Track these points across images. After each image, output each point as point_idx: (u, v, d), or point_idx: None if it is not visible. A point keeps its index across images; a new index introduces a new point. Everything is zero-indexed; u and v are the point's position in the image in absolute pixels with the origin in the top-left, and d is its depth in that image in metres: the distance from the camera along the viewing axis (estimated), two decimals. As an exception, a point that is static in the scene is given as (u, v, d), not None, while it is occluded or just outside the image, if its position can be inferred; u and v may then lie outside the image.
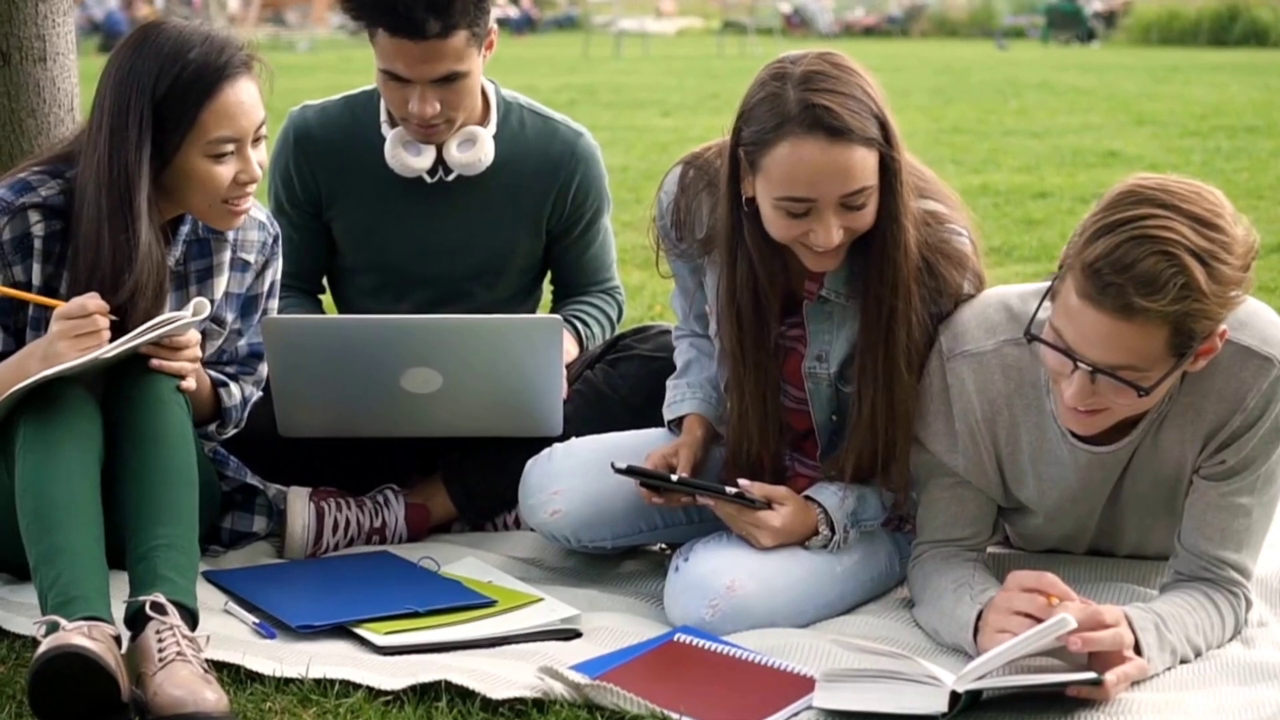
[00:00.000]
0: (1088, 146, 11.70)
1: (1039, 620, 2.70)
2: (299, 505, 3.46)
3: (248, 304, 3.38)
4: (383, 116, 3.72)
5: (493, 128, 3.72)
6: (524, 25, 40.47)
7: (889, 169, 2.94)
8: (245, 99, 3.09)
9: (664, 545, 3.52)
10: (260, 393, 3.44)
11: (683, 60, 25.94)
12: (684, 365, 3.40)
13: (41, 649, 2.56)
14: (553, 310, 3.93)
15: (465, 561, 3.36)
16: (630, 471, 3.13)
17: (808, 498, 3.16)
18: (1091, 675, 2.62)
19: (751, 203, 3.03)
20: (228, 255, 3.31)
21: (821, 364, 3.18)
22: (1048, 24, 31.50)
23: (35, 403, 2.91)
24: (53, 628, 2.64)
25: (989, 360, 3.00)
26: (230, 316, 3.35)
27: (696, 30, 41.19)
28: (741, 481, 3.11)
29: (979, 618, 2.85)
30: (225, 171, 3.09)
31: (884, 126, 2.92)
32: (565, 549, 3.47)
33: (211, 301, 3.27)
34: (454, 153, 3.66)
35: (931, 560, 3.09)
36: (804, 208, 2.93)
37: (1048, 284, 2.84)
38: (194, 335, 3.11)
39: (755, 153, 2.95)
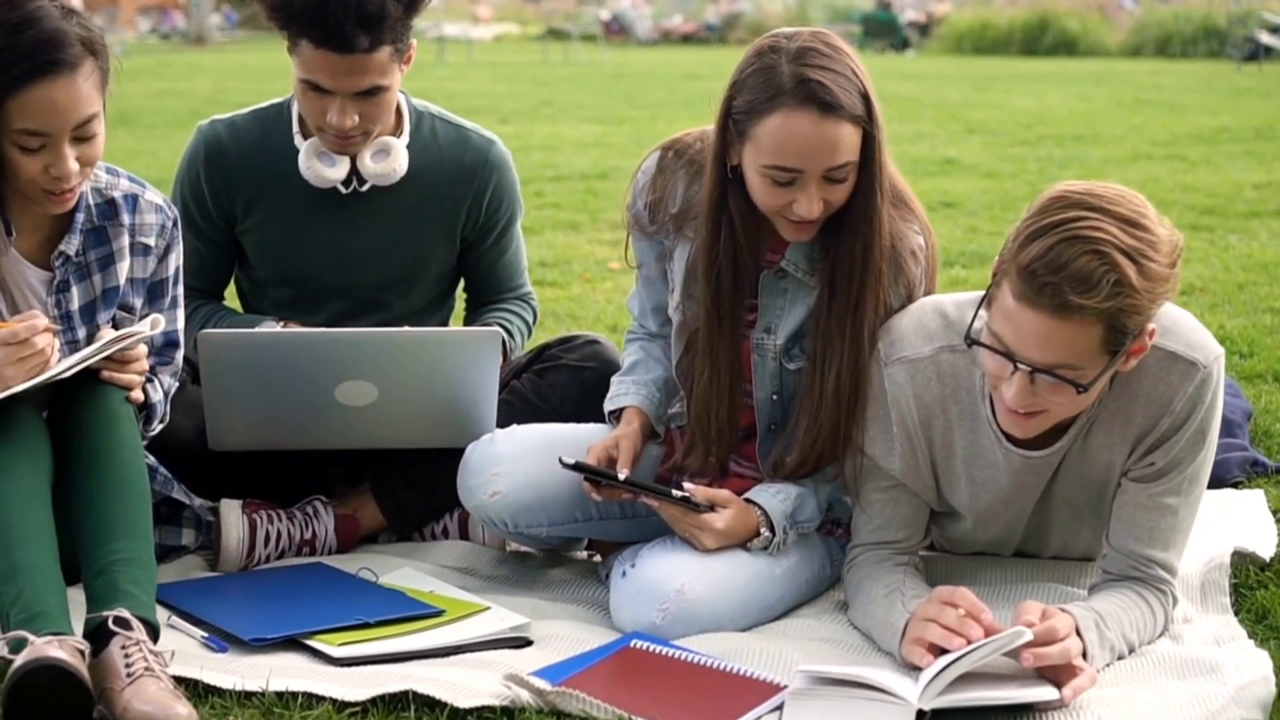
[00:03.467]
0: (924, 154, 11.92)
1: (948, 629, 2.80)
2: (233, 518, 3.44)
3: (154, 289, 3.33)
4: (295, 128, 3.70)
5: (406, 138, 3.73)
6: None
7: (870, 146, 3.05)
8: (60, 97, 2.96)
9: (591, 552, 3.56)
10: (178, 384, 3.41)
11: (508, 67, 25.95)
12: (630, 365, 3.45)
13: (19, 662, 2.54)
14: (467, 318, 3.96)
15: (402, 571, 3.36)
16: (578, 467, 3.16)
17: (747, 500, 3.22)
18: (1054, 695, 2.71)
19: (736, 170, 3.12)
20: (126, 240, 3.25)
21: (769, 336, 3.25)
22: (864, 33, 31.93)
23: (-18, 420, 2.88)
24: (19, 644, 2.61)
25: (925, 366, 3.08)
26: (138, 303, 3.30)
27: (514, 36, 41.19)
28: (686, 485, 3.17)
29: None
30: (31, 163, 2.99)
31: (869, 105, 3.03)
32: (496, 557, 3.51)
33: (116, 288, 3.23)
34: (368, 163, 3.66)
35: (865, 564, 3.16)
36: (789, 177, 3.03)
37: (982, 293, 2.93)
38: (143, 348, 3.09)
39: (746, 121, 3.04)
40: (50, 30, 2.96)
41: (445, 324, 3.97)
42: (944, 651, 2.78)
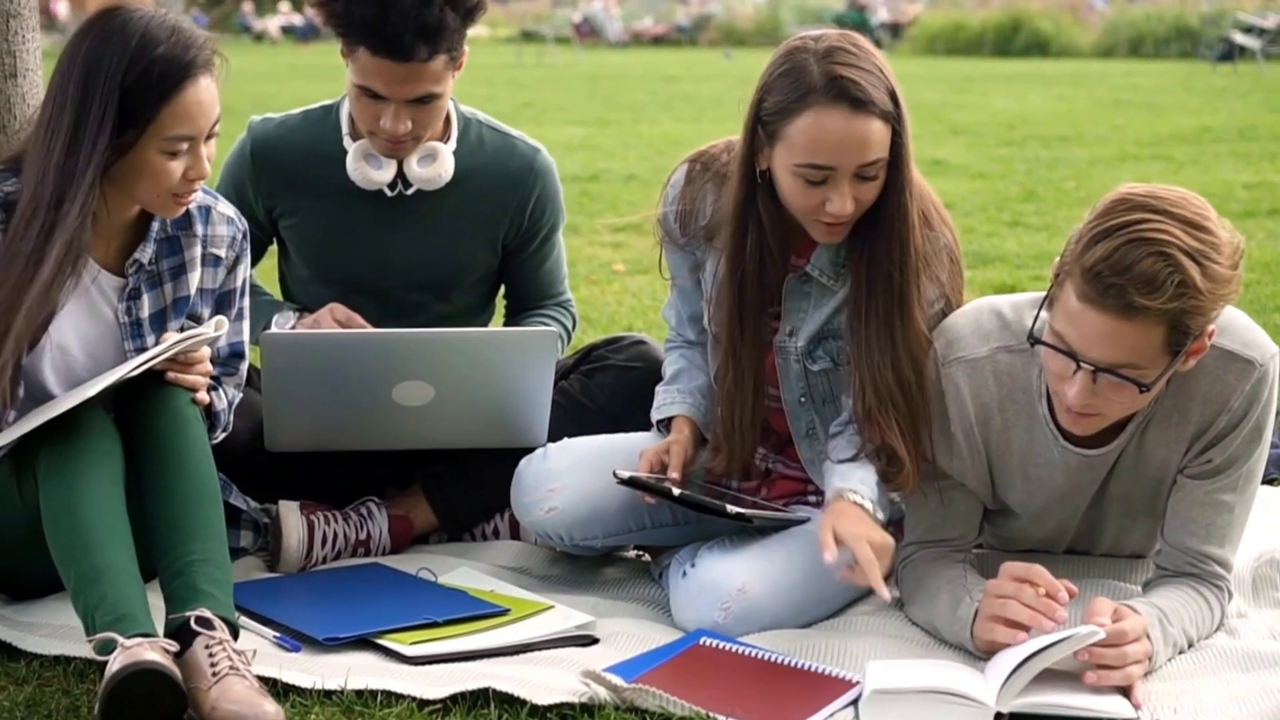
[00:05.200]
0: (912, 156, 11.95)
1: (1030, 607, 2.85)
2: (293, 519, 3.46)
3: (222, 300, 3.35)
4: (344, 129, 3.73)
5: (453, 143, 3.76)
6: (309, 34, 40.03)
7: (899, 144, 3.08)
8: (205, 98, 3.05)
9: (640, 552, 3.59)
10: (241, 394, 3.44)
11: (483, 69, 25.92)
12: (674, 374, 3.48)
13: (115, 666, 2.56)
14: (507, 324, 3.98)
15: (460, 571, 3.39)
16: (632, 483, 3.19)
17: (848, 495, 3.11)
18: (1131, 711, 2.75)
19: (765, 175, 3.14)
20: (199, 251, 3.28)
21: (791, 339, 3.28)
22: (835, 34, 32.00)
23: (53, 423, 2.90)
24: (107, 646, 2.63)
25: (983, 366, 3.11)
26: (206, 313, 3.32)
27: (483, 39, 41.17)
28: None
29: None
30: (176, 167, 3.05)
31: (896, 103, 3.06)
32: (549, 557, 3.53)
33: (187, 298, 3.25)
34: (414, 168, 3.68)
35: (922, 561, 3.20)
36: (822, 176, 3.04)
37: (1040, 294, 2.98)
38: (206, 350, 3.11)
39: (776, 122, 3.06)
40: (181, 37, 3.04)
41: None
42: (1024, 629, 2.84)
